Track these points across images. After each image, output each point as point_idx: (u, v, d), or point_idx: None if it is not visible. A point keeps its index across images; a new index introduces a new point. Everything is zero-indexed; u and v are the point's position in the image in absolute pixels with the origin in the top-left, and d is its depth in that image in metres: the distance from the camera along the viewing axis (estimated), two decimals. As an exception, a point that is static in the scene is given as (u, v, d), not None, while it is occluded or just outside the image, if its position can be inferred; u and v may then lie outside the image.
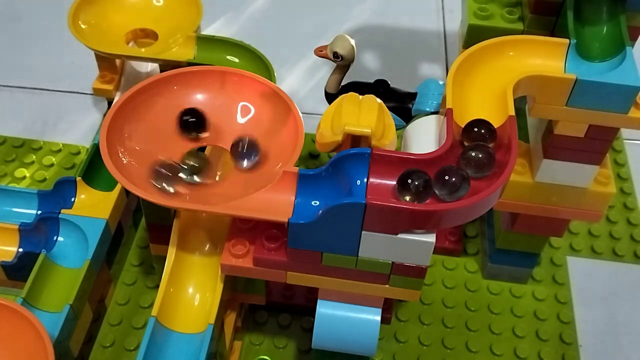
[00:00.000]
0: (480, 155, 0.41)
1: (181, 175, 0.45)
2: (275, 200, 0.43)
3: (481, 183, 0.41)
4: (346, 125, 0.47)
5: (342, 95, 0.50)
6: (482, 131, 0.42)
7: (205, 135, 0.49)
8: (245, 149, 0.46)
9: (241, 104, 0.50)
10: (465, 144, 0.43)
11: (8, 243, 0.55)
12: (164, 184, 0.45)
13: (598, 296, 0.66)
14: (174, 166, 0.46)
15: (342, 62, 0.57)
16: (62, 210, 0.56)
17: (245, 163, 0.46)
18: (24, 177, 0.73)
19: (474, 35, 0.58)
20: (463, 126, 0.43)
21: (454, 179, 0.40)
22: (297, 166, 0.44)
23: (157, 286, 0.49)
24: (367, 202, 0.39)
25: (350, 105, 0.48)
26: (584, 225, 0.71)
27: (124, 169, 0.45)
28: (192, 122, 0.48)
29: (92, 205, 0.56)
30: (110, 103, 0.67)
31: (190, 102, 0.50)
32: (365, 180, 0.42)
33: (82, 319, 0.54)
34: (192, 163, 0.45)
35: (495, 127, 0.44)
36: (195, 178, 0.45)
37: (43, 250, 0.54)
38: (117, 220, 0.58)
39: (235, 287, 0.53)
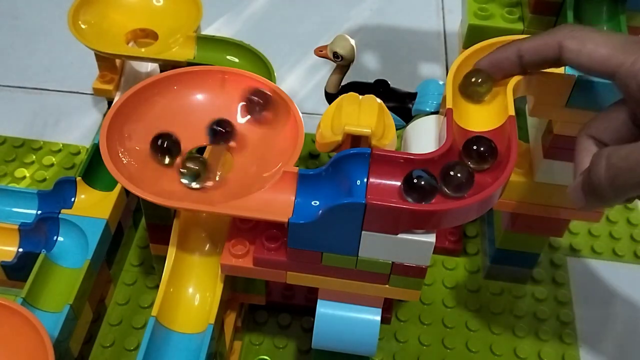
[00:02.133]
0: (459, 175, 0.40)
1: (182, 180, 0.45)
2: (275, 200, 0.43)
3: (481, 183, 0.41)
4: (346, 125, 0.47)
5: (342, 95, 0.50)
6: (482, 149, 0.42)
7: (232, 144, 0.49)
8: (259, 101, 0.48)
9: (241, 104, 0.50)
10: (464, 159, 0.42)
11: (8, 243, 0.55)
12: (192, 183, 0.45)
13: (598, 296, 0.66)
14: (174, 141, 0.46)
15: (342, 62, 0.57)
16: (62, 210, 0.56)
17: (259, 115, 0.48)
18: (24, 177, 0.73)
19: (474, 35, 0.58)
20: (462, 145, 0.42)
21: (459, 175, 0.40)
22: (297, 166, 0.44)
23: (157, 286, 0.49)
24: (367, 202, 0.39)
25: (350, 105, 0.48)
26: (584, 225, 0.71)
27: (124, 169, 0.45)
28: (224, 132, 0.48)
29: (92, 205, 0.56)
30: (110, 103, 0.67)
31: (191, 102, 0.50)
32: (365, 180, 0.42)
33: (82, 319, 0.54)
34: (192, 166, 0.45)
35: (495, 127, 0.44)
36: (194, 184, 0.45)
37: (43, 250, 0.54)
38: (117, 220, 0.58)
39: (235, 287, 0.53)
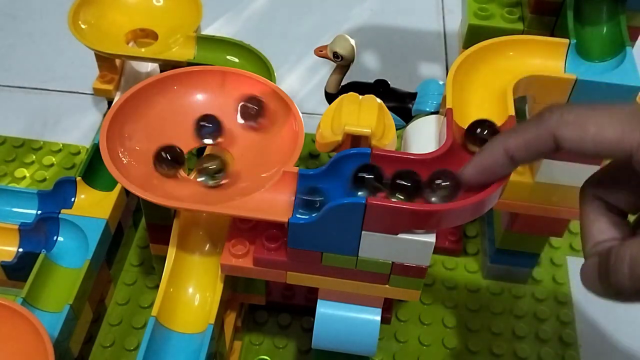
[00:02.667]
0: (447, 183, 0.40)
1: (200, 179, 0.45)
2: (275, 200, 0.43)
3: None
4: (346, 125, 0.47)
5: (342, 95, 0.50)
6: (485, 132, 0.42)
7: (220, 140, 0.49)
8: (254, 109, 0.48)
9: (241, 104, 0.50)
10: (468, 146, 0.42)
11: (8, 243, 0.55)
12: (165, 169, 0.45)
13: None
14: (178, 153, 0.46)
15: (342, 62, 0.57)
16: (62, 210, 0.56)
17: (254, 122, 0.48)
18: (24, 177, 0.73)
19: (474, 35, 0.58)
20: (465, 127, 0.43)
21: (446, 183, 0.40)
22: (297, 166, 0.44)
23: (157, 286, 0.49)
24: (367, 202, 0.39)
25: (350, 105, 0.48)
26: (584, 225, 0.71)
27: (124, 169, 0.45)
28: (208, 127, 0.48)
29: (92, 205, 0.56)
30: (110, 103, 0.67)
31: (191, 102, 0.50)
32: (365, 180, 0.42)
33: (82, 319, 0.54)
34: (212, 166, 0.45)
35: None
36: (211, 182, 0.45)
37: (43, 250, 0.54)
38: (117, 220, 0.58)
39: (235, 287, 0.53)
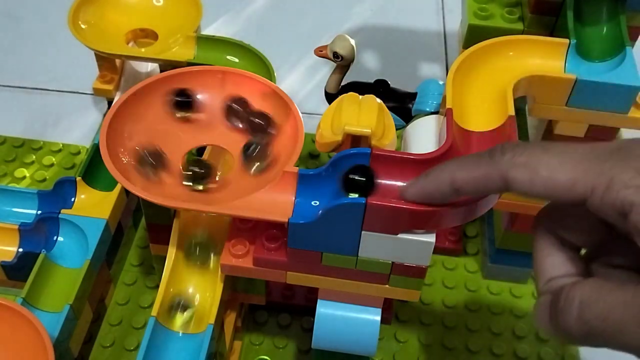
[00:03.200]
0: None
1: (185, 183, 0.45)
2: (275, 200, 0.43)
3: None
4: (346, 125, 0.47)
5: (342, 95, 0.50)
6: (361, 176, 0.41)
7: (195, 115, 0.49)
8: (256, 152, 0.46)
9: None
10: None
11: (8, 243, 0.55)
12: (148, 172, 0.45)
13: (598, 296, 0.66)
14: (159, 155, 0.46)
15: (342, 62, 0.57)
16: (62, 210, 0.56)
17: (254, 169, 0.46)
18: (24, 177, 0.73)
19: (474, 35, 0.58)
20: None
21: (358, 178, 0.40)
22: (297, 166, 0.44)
23: (157, 286, 0.49)
24: (367, 202, 0.39)
25: (350, 105, 0.48)
26: (584, 225, 0.71)
27: (124, 169, 0.45)
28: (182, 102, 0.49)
29: (92, 205, 0.56)
30: (110, 103, 0.67)
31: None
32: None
33: (82, 319, 0.54)
34: (196, 169, 0.45)
35: (495, 127, 0.44)
36: (199, 187, 0.45)
37: (43, 250, 0.54)
38: (117, 220, 0.58)
39: (235, 287, 0.53)
